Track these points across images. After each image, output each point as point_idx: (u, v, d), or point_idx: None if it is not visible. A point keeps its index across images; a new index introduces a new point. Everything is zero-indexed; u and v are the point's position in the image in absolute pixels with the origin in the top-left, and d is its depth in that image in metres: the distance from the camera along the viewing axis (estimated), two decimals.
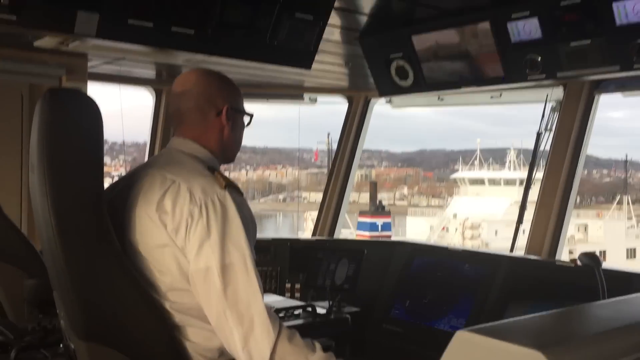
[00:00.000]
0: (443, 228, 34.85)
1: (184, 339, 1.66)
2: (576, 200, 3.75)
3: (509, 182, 37.02)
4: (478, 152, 46.16)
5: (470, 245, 28.90)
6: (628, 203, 42.03)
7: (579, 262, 2.70)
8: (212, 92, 1.86)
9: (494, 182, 38.85)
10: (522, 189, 3.81)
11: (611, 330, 0.65)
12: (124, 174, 2.02)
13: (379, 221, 24.20)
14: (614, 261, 28.61)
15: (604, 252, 30.05)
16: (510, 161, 42.32)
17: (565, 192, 3.50)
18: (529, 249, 3.51)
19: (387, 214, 25.19)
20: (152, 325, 1.61)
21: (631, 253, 32.34)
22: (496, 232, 31.27)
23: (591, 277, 2.56)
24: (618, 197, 45.38)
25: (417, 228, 35.42)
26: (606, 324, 0.67)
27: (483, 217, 33.13)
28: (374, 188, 28.02)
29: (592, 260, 2.57)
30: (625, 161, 58.62)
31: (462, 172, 43.88)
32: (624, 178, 56.24)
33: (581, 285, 2.71)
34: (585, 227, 33.73)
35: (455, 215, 35.71)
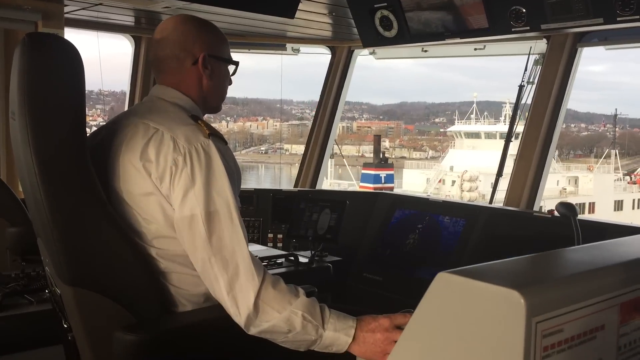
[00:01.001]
0: (440, 181, 35.14)
1: (169, 285, 1.68)
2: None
3: (504, 136, 36.93)
4: (475, 105, 45.94)
5: (468, 197, 29.20)
6: (616, 156, 42.73)
7: (556, 213, 2.76)
8: (188, 39, 1.81)
9: (489, 135, 38.92)
10: (517, 142, 3.82)
11: (584, 272, 0.68)
12: (102, 123, 2.01)
13: (382, 173, 25.45)
14: (603, 213, 29.45)
15: (594, 204, 30.68)
16: (505, 115, 42.23)
17: (545, 145, 3.55)
18: (508, 200, 3.57)
19: (390, 166, 26.35)
20: (137, 272, 1.63)
21: (618, 205, 32.93)
22: (492, 184, 31.50)
23: (567, 226, 2.63)
24: (606, 151, 46.13)
25: (413, 180, 35.67)
26: (580, 266, 0.71)
27: (479, 169, 33.32)
28: (377, 141, 28.74)
29: (568, 209, 2.63)
30: (615, 115, 60.06)
31: (458, 126, 43.84)
32: (612, 133, 57.56)
33: (558, 235, 2.79)
34: (576, 180, 34.26)
35: (452, 168, 35.91)
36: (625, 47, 3.55)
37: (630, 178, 39.58)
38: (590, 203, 30.98)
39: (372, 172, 25.97)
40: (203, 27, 1.87)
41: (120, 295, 1.61)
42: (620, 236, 2.49)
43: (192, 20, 1.87)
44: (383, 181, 25.66)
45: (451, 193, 31.33)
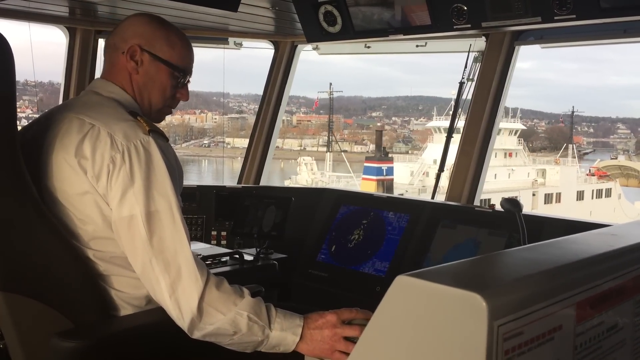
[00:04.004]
0: (424, 173, 35.90)
1: (109, 288, 1.61)
2: None
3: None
4: (453, 102, 46.71)
5: None
6: (573, 150, 45.27)
7: (499, 208, 2.82)
8: (130, 29, 1.77)
9: None
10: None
11: (542, 272, 0.68)
12: (31, 115, 1.92)
13: (384, 166, 27.41)
14: (568, 202, 31.79)
15: (560, 194, 32.62)
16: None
17: (485, 140, 3.61)
18: (449, 195, 3.63)
19: (390, 159, 28.36)
20: (74, 274, 1.55)
21: (580, 195, 34.57)
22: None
23: (506, 221, 2.69)
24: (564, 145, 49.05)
25: (397, 172, 36.43)
26: (537, 266, 0.70)
27: None
28: (379, 136, 30.66)
29: (513, 205, 2.69)
30: (572, 112, 63.07)
31: (437, 121, 44.61)
32: (569, 129, 60.71)
33: (498, 227, 2.85)
34: (544, 173, 35.86)
35: (435, 161, 36.64)
36: (559, 46, 3.65)
37: (589, 171, 41.84)
38: (557, 193, 32.77)
39: (375, 165, 28.11)
40: (153, 23, 1.78)
41: (56, 300, 1.53)
42: (556, 229, 2.56)
43: (150, 17, 1.81)
44: (385, 173, 27.81)
45: (440, 184, 32.52)
